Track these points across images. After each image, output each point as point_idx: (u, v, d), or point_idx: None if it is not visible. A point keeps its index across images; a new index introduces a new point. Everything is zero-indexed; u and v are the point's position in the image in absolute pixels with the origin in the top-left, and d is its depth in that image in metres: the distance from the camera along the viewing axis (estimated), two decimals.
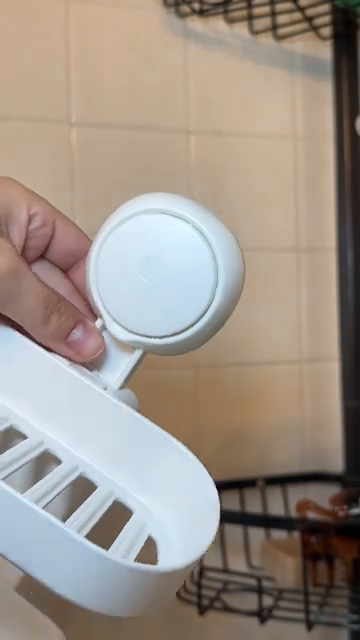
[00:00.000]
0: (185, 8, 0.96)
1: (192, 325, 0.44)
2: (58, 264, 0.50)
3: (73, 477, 0.42)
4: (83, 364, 0.47)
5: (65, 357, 0.46)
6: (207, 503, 0.42)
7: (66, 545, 0.35)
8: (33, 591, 0.56)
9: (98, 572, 0.35)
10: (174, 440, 0.45)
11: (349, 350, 0.99)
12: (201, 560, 0.90)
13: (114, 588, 0.36)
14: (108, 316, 0.46)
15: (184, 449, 0.45)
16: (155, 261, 0.44)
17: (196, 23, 0.98)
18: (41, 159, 0.91)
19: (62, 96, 0.92)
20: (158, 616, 0.96)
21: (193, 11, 0.95)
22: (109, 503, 0.42)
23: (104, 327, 0.46)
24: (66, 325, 0.46)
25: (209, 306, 0.44)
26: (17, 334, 0.46)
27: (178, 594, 0.87)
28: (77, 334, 0.46)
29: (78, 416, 0.45)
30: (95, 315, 0.47)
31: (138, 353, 0.46)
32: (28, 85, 0.91)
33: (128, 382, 0.48)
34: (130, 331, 0.45)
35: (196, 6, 0.96)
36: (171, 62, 0.97)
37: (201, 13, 0.96)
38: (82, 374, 0.46)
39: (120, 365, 0.47)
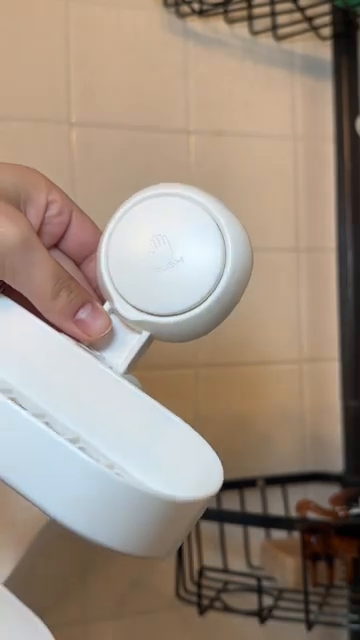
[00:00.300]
0: (185, 8, 0.96)
1: (201, 303, 0.44)
2: (71, 255, 0.50)
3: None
4: (89, 346, 0.47)
5: (72, 337, 0.47)
6: (210, 464, 0.45)
7: (63, 457, 0.37)
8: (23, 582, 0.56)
9: (96, 489, 0.37)
10: (174, 416, 0.46)
11: (349, 350, 0.99)
12: (201, 560, 0.90)
13: (110, 510, 0.37)
14: (118, 295, 0.46)
15: (183, 423, 0.46)
16: (165, 240, 0.45)
17: (196, 23, 0.99)
18: (41, 159, 0.91)
19: (62, 96, 0.92)
20: (158, 616, 0.96)
21: (193, 11, 0.96)
22: None
23: (112, 310, 0.47)
24: (75, 302, 0.46)
25: (217, 284, 0.45)
26: (25, 311, 0.46)
27: (178, 594, 0.87)
28: (85, 313, 0.46)
29: (81, 393, 0.46)
30: (104, 303, 0.48)
31: (145, 335, 0.46)
32: (28, 85, 0.91)
33: (134, 367, 0.48)
34: (140, 310, 0.45)
35: (196, 6, 0.96)
36: (171, 62, 0.97)
37: (201, 13, 0.96)
38: (88, 353, 0.46)
39: (126, 348, 0.47)
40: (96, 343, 0.47)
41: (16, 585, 0.88)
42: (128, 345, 0.47)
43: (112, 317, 0.47)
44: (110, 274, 0.46)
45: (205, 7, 0.96)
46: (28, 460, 0.38)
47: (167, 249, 0.45)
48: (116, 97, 0.94)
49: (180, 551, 0.88)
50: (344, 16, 0.97)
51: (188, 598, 0.87)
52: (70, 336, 0.47)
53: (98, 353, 0.47)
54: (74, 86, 0.93)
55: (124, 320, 0.47)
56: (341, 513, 0.87)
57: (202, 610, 0.87)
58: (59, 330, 0.47)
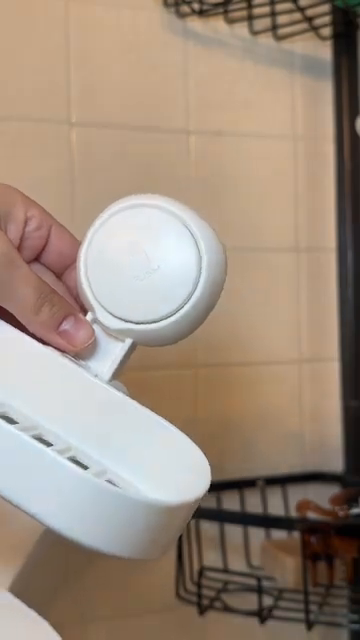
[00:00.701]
0: (185, 8, 0.96)
1: (179, 309, 0.46)
2: (52, 267, 0.51)
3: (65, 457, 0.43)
4: (74, 356, 0.48)
5: (57, 349, 0.48)
6: (198, 465, 0.46)
7: (53, 469, 0.39)
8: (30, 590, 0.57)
9: (85, 497, 0.38)
10: (161, 419, 0.47)
11: (349, 350, 0.99)
12: (201, 560, 0.90)
13: (104, 517, 0.38)
14: (99, 305, 0.47)
15: (171, 426, 0.47)
16: (142, 249, 0.46)
17: (196, 23, 0.99)
18: (41, 159, 0.91)
19: (62, 96, 0.92)
20: (158, 616, 0.96)
21: (193, 11, 0.96)
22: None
23: (94, 320, 0.48)
24: (58, 315, 0.47)
25: (194, 290, 0.46)
26: (9, 326, 0.48)
27: (178, 594, 0.87)
28: (68, 324, 0.48)
29: (70, 402, 0.47)
30: (86, 312, 0.49)
31: (128, 342, 0.48)
32: (28, 85, 0.91)
33: (119, 375, 0.49)
34: (121, 319, 0.47)
35: (196, 6, 0.96)
36: (171, 62, 0.97)
37: (201, 13, 0.96)
38: (73, 363, 0.48)
39: (110, 356, 0.48)
40: (81, 353, 0.48)
41: (15, 585, 0.89)
42: (112, 353, 0.48)
43: (95, 327, 0.48)
44: (90, 284, 0.48)
45: (205, 7, 0.96)
46: (20, 473, 0.39)
47: (144, 258, 0.46)
48: (116, 97, 0.95)
49: (180, 551, 0.88)
50: (344, 16, 0.97)
51: (188, 598, 0.87)
52: (55, 348, 0.48)
53: (83, 362, 0.48)
54: (74, 86, 0.93)
55: (106, 329, 0.48)
56: (341, 513, 0.87)
57: (202, 610, 0.87)
58: (44, 343, 0.48)
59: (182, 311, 0.46)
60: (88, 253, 0.48)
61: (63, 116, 0.92)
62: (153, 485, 0.44)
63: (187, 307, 0.46)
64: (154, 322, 0.46)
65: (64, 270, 0.51)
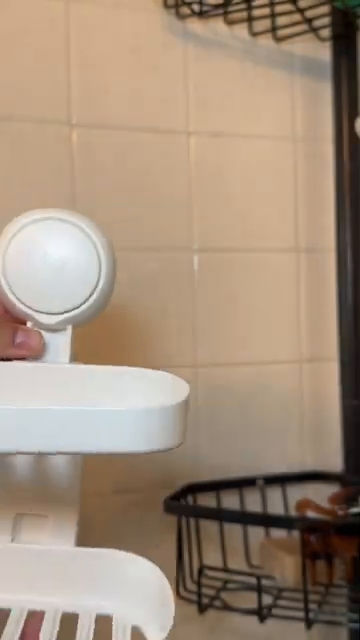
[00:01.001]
0: (185, 10, 0.96)
1: (95, 289, 0.58)
2: None
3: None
4: (34, 360, 0.58)
5: (20, 359, 0.57)
6: (173, 380, 0.56)
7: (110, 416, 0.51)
8: None
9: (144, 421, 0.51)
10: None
11: (348, 350, 0.99)
12: (201, 559, 0.90)
13: (158, 427, 0.51)
14: (32, 311, 0.57)
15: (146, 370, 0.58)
16: (53, 255, 0.57)
17: (196, 25, 0.99)
18: (42, 160, 0.91)
19: (63, 97, 0.92)
20: None
21: (193, 13, 0.96)
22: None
23: (36, 324, 0.58)
24: (7, 334, 0.56)
25: (100, 275, 0.58)
26: None
27: (178, 593, 0.88)
28: (20, 337, 0.57)
29: (56, 383, 0.57)
30: (24, 323, 0.58)
31: (69, 329, 0.58)
32: (29, 86, 0.91)
33: (74, 358, 0.59)
34: (56, 313, 0.57)
35: (196, 8, 0.96)
36: (171, 63, 0.98)
37: (201, 15, 0.97)
38: (39, 363, 0.58)
39: (62, 346, 0.58)
40: (39, 354, 0.58)
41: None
42: (62, 342, 0.58)
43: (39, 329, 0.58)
44: (16, 296, 0.57)
45: (205, 8, 0.96)
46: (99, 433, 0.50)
47: (57, 261, 0.57)
48: (116, 98, 0.95)
49: (180, 550, 0.89)
50: (344, 17, 0.97)
51: (188, 597, 0.88)
52: (19, 359, 0.57)
53: (44, 362, 0.58)
54: (74, 87, 0.93)
55: (47, 327, 0.58)
56: (340, 512, 0.88)
57: (202, 609, 0.87)
58: (8, 359, 0.57)
59: (97, 291, 0.57)
60: (5, 270, 0.57)
61: (63, 117, 0.92)
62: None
63: (98, 289, 0.57)
64: (79, 306, 0.57)
65: None
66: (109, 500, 0.94)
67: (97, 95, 0.94)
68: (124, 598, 0.58)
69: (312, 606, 0.83)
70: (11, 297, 0.57)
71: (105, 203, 0.93)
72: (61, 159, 0.92)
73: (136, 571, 0.58)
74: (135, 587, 0.58)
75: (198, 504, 0.95)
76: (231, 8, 0.97)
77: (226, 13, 0.98)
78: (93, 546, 0.60)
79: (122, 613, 0.57)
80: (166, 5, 0.97)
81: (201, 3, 0.96)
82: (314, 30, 0.98)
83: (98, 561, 0.58)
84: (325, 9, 0.96)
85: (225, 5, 0.96)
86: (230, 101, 1.00)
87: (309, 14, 0.95)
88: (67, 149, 0.92)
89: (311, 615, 0.82)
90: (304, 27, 0.98)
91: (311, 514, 0.87)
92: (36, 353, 0.57)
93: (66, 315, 0.57)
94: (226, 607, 0.87)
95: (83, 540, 0.61)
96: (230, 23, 1.00)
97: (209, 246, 0.98)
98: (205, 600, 0.87)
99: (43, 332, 0.58)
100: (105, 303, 0.59)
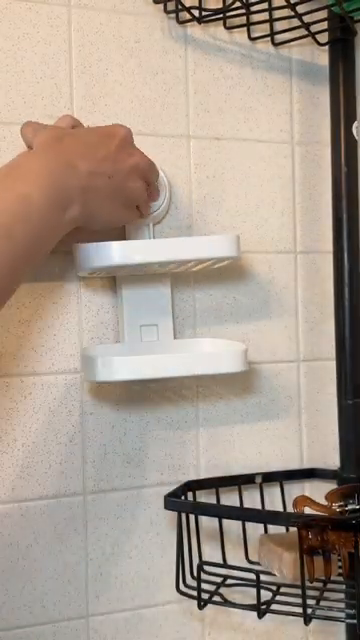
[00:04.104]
0: (185, 15, 0.97)
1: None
2: None
3: None
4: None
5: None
6: None
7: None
8: None
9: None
10: None
11: (345, 349, 1.00)
12: (200, 555, 0.91)
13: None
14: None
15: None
16: None
17: (196, 30, 1.00)
18: None
19: (64, 101, 0.93)
20: (159, 610, 0.97)
21: (193, 18, 0.97)
22: None
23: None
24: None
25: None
26: None
27: (178, 588, 0.88)
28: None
29: None
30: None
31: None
32: (31, 90, 0.92)
33: None
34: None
35: (196, 13, 0.97)
36: (171, 68, 0.98)
37: (200, 20, 0.97)
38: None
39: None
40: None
41: (17, 581, 0.90)
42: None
43: None
44: None
45: (204, 13, 0.97)
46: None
47: None
48: (117, 102, 0.96)
49: (180, 546, 0.89)
50: (341, 22, 0.97)
51: (188, 592, 0.88)
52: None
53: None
54: (76, 92, 0.94)
55: None
56: (338, 509, 0.88)
57: (202, 604, 0.87)
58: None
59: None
60: None
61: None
62: None
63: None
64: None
65: None
66: (108, 497, 0.95)
67: (98, 99, 0.95)
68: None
69: (310, 602, 0.83)
70: None
71: None
72: None
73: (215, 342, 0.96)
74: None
75: (198, 501, 0.96)
76: (230, 13, 0.97)
77: (225, 18, 0.99)
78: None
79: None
80: (166, 10, 0.97)
81: (201, 8, 0.97)
82: (312, 35, 0.98)
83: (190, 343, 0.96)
84: (323, 14, 0.96)
85: (224, 10, 0.97)
86: (229, 105, 1.01)
87: (307, 19, 0.95)
88: None
89: (309, 611, 0.82)
90: (302, 32, 0.98)
91: (309, 511, 0.88)
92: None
93: None
94: (225, 603, 0.87)
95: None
96: (229, 28, 1.00)
97: None
98: (204, 596, 0.87)
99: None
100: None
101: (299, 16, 0.94)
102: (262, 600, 0.84)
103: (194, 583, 0.87)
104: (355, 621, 0.81)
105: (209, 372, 0.89)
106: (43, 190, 0.71)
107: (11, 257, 0.67)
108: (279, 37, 1.01)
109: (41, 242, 0.72)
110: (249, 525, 0.95)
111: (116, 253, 0.83)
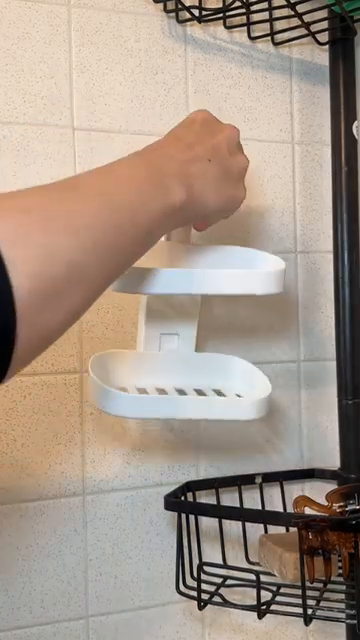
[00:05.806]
0: (185, 14, 0.97)
1: None
2: None
3: None
4: None
5: None
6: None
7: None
8: None
9: None
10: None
11: (345, 349, 1.00)
12: (200, 555, 0.91)
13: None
14: None
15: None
16: None
17: (196, 29, 1.00)
18: (44, 164, 0.92)
19: (64, 101, 0.93)
20: (159, 610, 0.97)
21: (193, 17, 0.97)
22: None
23: None
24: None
25: None
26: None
27: (178, 589, 0.88)
28: None
29: None
30: None
31: None
32: (31, 90, 0.92)
33: None
34: None
35: (196, 12, 0.97)
36: (171, 68, 0.98)
37: (200, 19, 0.97)
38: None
39: None
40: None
41: (17, 581, 0.90)
42: None
43: None
44: None
45: (205, 13, 0.97)
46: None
47: None
48: (117, 102, 0.96)
49: (180, 547, 0.89)
50: (342, 21, 0.97)
51: (188, 593, 0.88)
52: None
53: None
54: (76, 91, 0.94)
55: None
56: (338, 510, 0.88)
57: (202, 605, 0.87)
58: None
59: None
60: None
61: (65, 121, 0.93)
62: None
63: None
64: None
65: None
66: (108, 497, 0.95)
67: (98, 99, 0.95)
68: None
69: (310, 602, 0.83)
70: None
71: None
72: (63, 163, 0.93)
73: (239, 365, 0.89)
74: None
75: (198, 501, 0.96)
76: (230, 13, 0.97)
77: (225, 17, 0.99)
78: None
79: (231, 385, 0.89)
80: (166, 10, 0.97)
81: (201, 8, 0.97)
82: (312, 34, 0.98)
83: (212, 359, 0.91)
84: (323, 13, 0.96)
85: (224, 10, 0.97)
86: (229, 105, 1.01)
87: (307, 18, 0.95)
88: (69, 153, 0.93)
89: (309, 611, 0.82)
90: (302, 31, 0.98)
91: (309, 511, 0.88)
92: None
93: None
94: (225, 603, 0.87)
95: None
96: (229, 27, 1.00)
97: None
98: (204, 596, 0.87)
99: None
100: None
101: (299, 15, 0.94)
102: (262, 600, 0.84)
103: (194, 584, 0.87)
104: (355, 621, 0.81)
105: (224, 418, 0.82)
106: (142, 174, 0.69)
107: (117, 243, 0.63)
108: (279, 37, 1.02)
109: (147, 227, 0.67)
110: (249, 525, 0.95)
111: (155, 282, 0.75)
